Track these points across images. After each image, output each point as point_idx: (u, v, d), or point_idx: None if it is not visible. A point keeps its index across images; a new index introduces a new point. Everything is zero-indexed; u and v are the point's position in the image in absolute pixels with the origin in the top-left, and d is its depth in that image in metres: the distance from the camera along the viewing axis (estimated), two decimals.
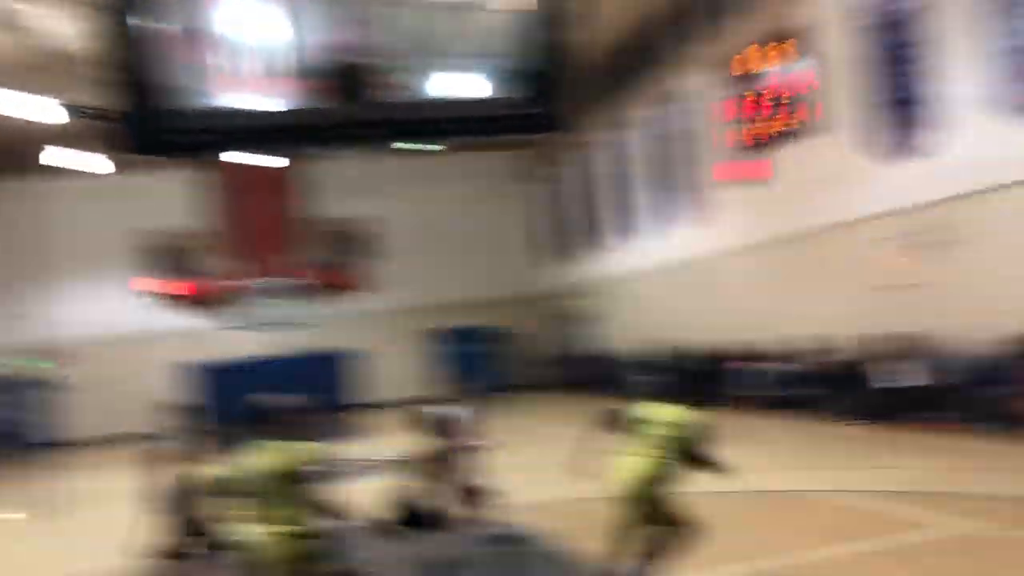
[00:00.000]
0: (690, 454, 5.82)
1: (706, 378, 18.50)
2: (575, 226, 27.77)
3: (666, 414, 5.91)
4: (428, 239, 29.77)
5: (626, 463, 5.84)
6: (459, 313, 29.35)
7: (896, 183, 14.02)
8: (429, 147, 23.50)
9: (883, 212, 14.28)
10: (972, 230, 12.62)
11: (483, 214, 30.56)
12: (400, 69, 5.21)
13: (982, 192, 12.42)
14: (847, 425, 13.68)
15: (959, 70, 12.80)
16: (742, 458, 12.58)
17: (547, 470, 11.60)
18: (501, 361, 29.22)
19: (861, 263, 14.79)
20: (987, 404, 11.73)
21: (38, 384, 24.37)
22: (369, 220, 24.44)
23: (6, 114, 14.93)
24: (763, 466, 11.78)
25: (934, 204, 13.22)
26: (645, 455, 5.79)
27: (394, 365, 28.16)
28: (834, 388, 14.77)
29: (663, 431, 5.83)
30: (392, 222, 29.51)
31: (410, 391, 27.43)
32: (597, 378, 24.39)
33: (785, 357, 16.35)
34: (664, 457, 5.76)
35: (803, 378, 15.62)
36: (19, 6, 16.27)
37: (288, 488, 4.86)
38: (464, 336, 29.06)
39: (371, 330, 28.01)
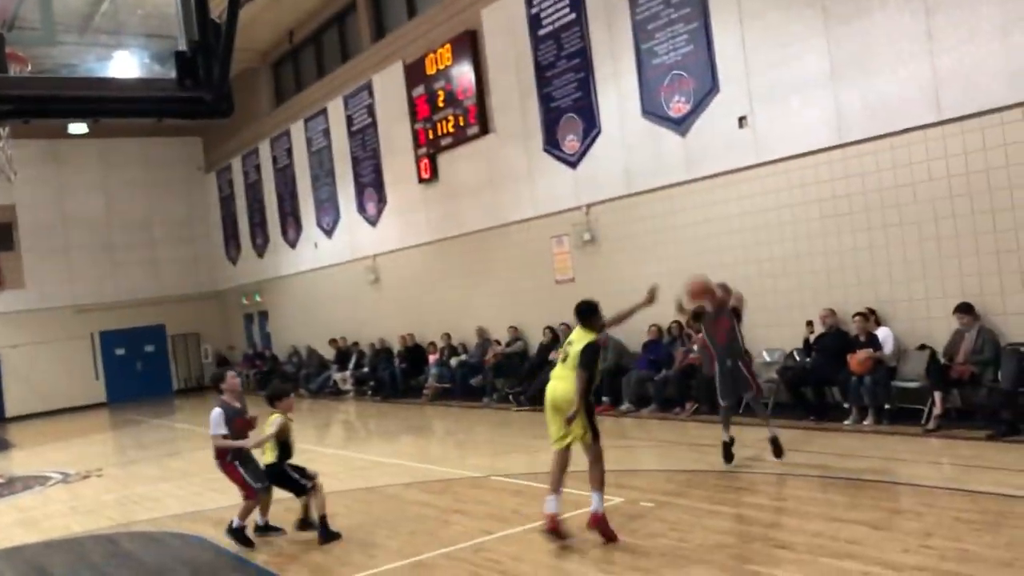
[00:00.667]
0: None
1: (406, 372, 18.76)
2: (258, 221, 26.68)
3: None
4: (103, 231, 27.23)
5: None
6: (144, 312, 27.23)
7: (560, 186, 15.05)
8: (74, 129, 21.13)
9: (551, 212, 15.32)
10: (618, 232, 14.02)
11: (172, 206, 28.58)
12: (34, 42, 4.62)
13: (628, 196, 13.80)
14: (524, 411, 14.41)
15: (611, 82, 13.88)
16: (429, 447, 12.86)
17: (194, 480, 11.12)
18: (180, 363, 27.80)
19: (541, 259, 15.69)
20: (653, 386, 12.92)
21: None
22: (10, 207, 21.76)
23: None
24: (449, 455, 12.13)
25: (587, 207, 14.54)
26: None
27: (51, 370, 25.58)
28: (516, 376, 15.50)
29: None
30: (53, 211, 26.70)
31: (73, 399, 25.07)
32: (288, 377, 23.79)
33: (480, 348, 16.93)
34: None
35: (492, 368, 16.21)
36: None
37: None
38: (135, 338, 26.94)
39: (25, 331, 25.23)
